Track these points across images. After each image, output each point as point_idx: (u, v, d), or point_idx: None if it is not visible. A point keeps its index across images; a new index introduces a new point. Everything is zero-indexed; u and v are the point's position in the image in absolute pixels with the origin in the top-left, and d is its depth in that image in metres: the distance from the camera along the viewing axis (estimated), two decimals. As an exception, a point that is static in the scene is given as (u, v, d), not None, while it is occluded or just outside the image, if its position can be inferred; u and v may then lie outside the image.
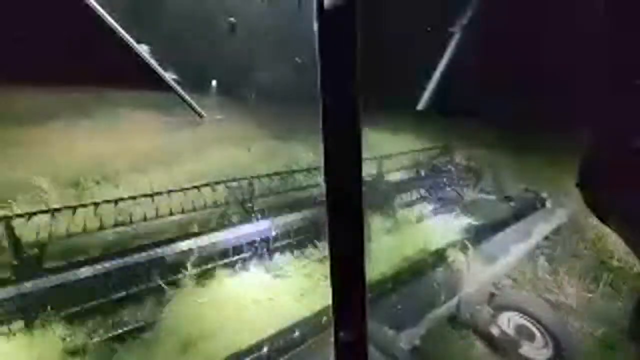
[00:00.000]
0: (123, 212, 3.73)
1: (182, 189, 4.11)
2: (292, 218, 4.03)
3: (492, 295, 3.53)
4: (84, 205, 3.60)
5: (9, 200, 4.01)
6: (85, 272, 2.85)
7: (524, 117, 7.31)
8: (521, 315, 3.38)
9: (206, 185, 4.23)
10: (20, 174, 4.53)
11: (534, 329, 3.29)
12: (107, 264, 2.94)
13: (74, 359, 2.58)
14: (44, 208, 3.43)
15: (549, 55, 6.96)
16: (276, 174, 4.84)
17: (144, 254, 3.13)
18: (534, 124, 7.27)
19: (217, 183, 4.30)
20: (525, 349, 3.24)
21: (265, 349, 2.18)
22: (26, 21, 6.05)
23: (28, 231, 3.13)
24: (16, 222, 3.01)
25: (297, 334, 2.33)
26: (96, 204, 3.62)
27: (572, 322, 3.60)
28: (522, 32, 7.00)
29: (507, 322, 3.40)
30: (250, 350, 2.21)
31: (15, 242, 2.75)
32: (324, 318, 2.42)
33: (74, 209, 3.51)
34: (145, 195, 3.84)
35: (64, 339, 2.62)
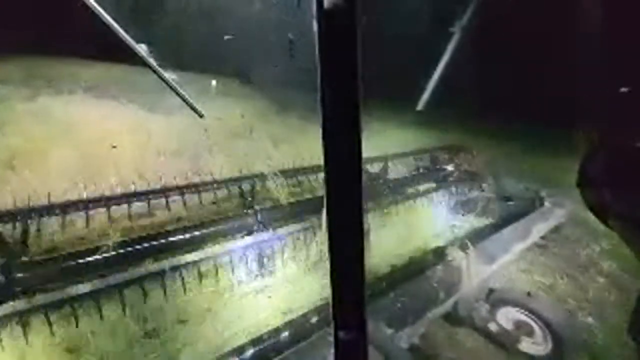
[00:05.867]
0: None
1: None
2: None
3: (491, 291, 3.54)
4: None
5: None
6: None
7: (525, 117, 7.32)
8: (520, 310, 3.39)
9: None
10: None
11: (533, 324, 3.30)
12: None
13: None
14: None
15: (550, 56, 6.96)
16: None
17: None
18: (534, 123, 7.28)
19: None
20: (525, 344, 3.25)
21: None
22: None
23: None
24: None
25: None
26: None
27: (571, 317, 3.62)
28: (523, 33, 7.00)
29: (506, 318, 3.41)
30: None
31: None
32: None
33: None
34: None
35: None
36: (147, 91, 5.12)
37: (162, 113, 5.11)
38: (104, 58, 5.51)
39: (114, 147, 3.92)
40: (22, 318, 2.29)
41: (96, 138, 4.10)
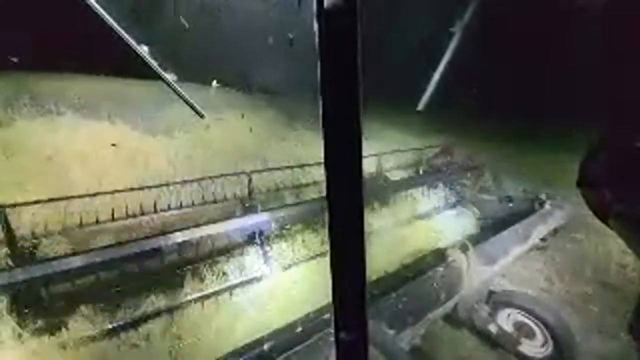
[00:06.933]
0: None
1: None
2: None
3: (491, 293, 3.54)
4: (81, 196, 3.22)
5: None
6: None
7: (525, 118, 7.33)
8: (521, 312, 3.38)
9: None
10: None
11: (534, 327, 3.30)
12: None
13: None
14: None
15: (552, 56, 6.96)
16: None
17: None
18: (534, 124, 7.28)
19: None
20: (525, 346, 3.25)
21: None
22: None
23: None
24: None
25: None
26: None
27: (571, 319, 3.61)
28: (524, 32, 7.01)
29: (507, 320, 3.41)
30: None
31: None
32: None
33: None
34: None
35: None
36: (142, 107, 4.69)
37: (161, 134, 4.65)
38: (96, 71, 5.06)
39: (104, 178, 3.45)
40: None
41: (82, 178, 3.45)
